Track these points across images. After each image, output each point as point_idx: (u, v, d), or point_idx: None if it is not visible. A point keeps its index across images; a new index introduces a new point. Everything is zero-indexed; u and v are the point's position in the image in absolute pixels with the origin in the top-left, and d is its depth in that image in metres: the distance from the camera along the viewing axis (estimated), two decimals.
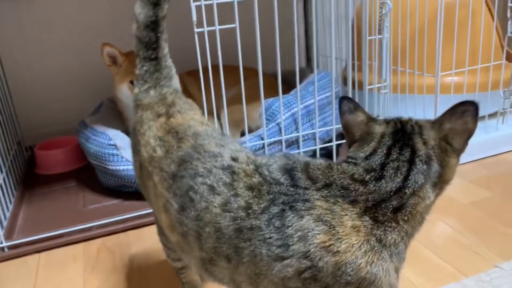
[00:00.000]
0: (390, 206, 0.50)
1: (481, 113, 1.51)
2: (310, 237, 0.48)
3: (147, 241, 1.10)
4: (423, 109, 1.36)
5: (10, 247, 1.09)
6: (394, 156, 0.52)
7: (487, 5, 1.47)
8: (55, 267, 1.03)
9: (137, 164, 0.70)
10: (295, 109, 1.28)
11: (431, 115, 1.35)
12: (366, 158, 0.53)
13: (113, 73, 1.48)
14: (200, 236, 0.54)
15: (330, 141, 1.34)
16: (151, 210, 1.18)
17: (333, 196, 0.50)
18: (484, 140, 1.39)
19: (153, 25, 0.72)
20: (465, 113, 0.52)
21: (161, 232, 0.76)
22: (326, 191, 0.51)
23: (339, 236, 0.48)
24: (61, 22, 1.69)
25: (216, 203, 0.53)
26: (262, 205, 0.51)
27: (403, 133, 0.54)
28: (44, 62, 1.71)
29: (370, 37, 1.27)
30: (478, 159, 1.37)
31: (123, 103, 1.48)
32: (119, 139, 1.28)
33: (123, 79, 1.45)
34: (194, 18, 1.06)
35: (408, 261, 0.54)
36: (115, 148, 1.26)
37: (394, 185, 0.50)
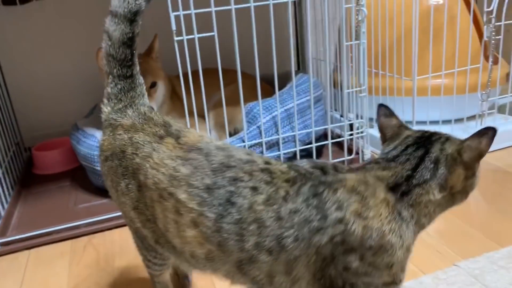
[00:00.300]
0: (400, 190, 0.59)
1: (460, 115, 1.57)
2: (345, 206, 0.57)
3: (131, 240, 1.17)
4: (402, 111, 1.41)
5: (2, 244, 1.16)
6: (408, 152, 0.61)
7: (468, 9, 1.50)
8: (43, 263, 1.10)
9: (132, 187, 0.67)
10: (276, 112, 1.33)
11: (410, 117, 1.40)
12: (388, 152, 0.63)
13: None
14: (242, 237, 0.58)
15: (311, 143, 1.39)
16: None
17: (363, 173, 0.60)
18: None
19: (130, 42, 0.72)
20: (484, 135, 0.58)
21: (145, 247, 0.76)
22: (355, 172, 0.61)
23: (370, 205, 0.57)
24: (59, 26, 1.76)
25: (259, 201, 0.58)
26: (300, 190, 0.58)
27: (427, 139, 0.63)
28: (43, 67, 1.79)
29: (347, 43, 1.31)
30: None
31: None
32: None
33: None
34: (174, 27, 1.12)
35: None
36: None
37: (404, 173, 0.60)
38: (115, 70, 0.72)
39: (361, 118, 1.41)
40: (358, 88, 1.37)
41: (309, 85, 1.47)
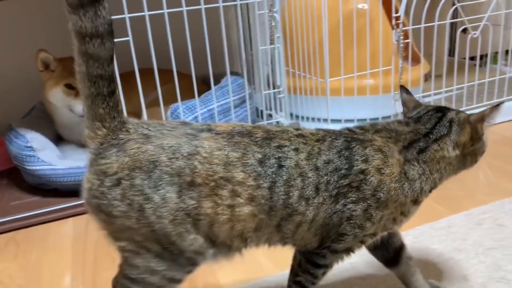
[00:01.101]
0: (418, 147, 0.71)
1: (374, 115, 1.65)
2: (370, 160, 0.69)
3: (52, 236, 1.24)
4: (319, 109, 1.49)
5: None
6: (429, 114, 0.75)
7: (388, 14, 1.59)
8: None
9: (171, 194, 0.64)
10: (198, 113, 1.41)
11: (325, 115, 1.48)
12: (411, 116, 0.76)
13: (44, 79, 1.60)
14: (288, 194, 0.67)
15: None
16: (61, 206, 1.33)
17: (386, 137, 0.72)
18: None
19: (112, 57, 0.67)
20: (491, 107, 0.73)
21: (169, 266, 0.69)
22: (379, 134, 0.73)
23: (388, 164, 0.69)
24: None
25: (302, 158, 0.68)
26: (333, 144, 0.70)
27: (444, 108, 0.77)
28: None
29: (262, 47, 1.38)
30: None
31: (54, 106, 1.61)
32: (36, 141, 1.41)
33: (58, 83, 1.57)
34: None
35: None
36: (32, 150, 1.39)
37: (424, 129, 0.73)
38: (105, 89, 0.66)
39: (280, 117, 1.49)
40: (277, 90, 1.44)
41: (236, 86, 1.55)
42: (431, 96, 1.73)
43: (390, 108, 1.56)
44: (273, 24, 1.36)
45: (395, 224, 0.73)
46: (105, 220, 0.65)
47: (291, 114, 1.74)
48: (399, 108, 1.53)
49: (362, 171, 0.68)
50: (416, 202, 0.73)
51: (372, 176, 0.68)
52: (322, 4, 1.42)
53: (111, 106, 0.67)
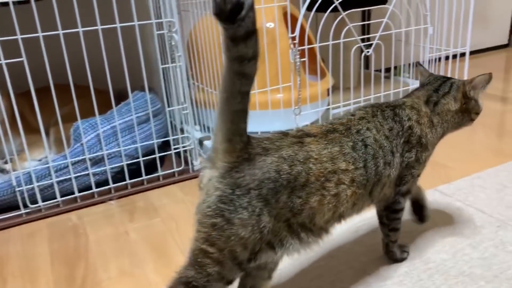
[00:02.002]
0: (433, 100, 0.95)
1: (275, 128, 1.71)
2: (411, 117, 0.90)
3: None
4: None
5: None
6: (437, 78, 1.00)
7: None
8: None
9: (283, 197, 0.70)
10: (101, 130, 1.43)
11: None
12: (424, 82, 1.01)
13: None
14: (377, 164, 0.82)
15: (144, 155, 1.50)
16: None
17: (411, 96, 0.96)
18: None
19: None
20: (475, 79, 0.97)
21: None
22: (406, 97, 0.96)
23: (420, 115, 0.92)
24: None
25: (375, 132, 0.84)
26: (384, 114, 0.88)
27: (446, 76, 1.02)
28: None
29: (163, 66, 1.42)
30: None
31: None
32: None
33: None
34: None
35: None
36: None
37: (433, 88, 0.97)
38: (247, 105, 0.70)
39: (188, 132, 1.53)
40: (180, 106, 1.48)
41: (143, 102, 1.58)
42: (340, 108, 1.83)
43: (292, 122, 1.64)
44: (173, 43, 1.40)
45: (426, 164, 0.95)
46: (219, 226, 0.67)
47: (208, 127, 1.80)
48: (300, 122, 1.63)
49: (410, 127, 0.89)
50: (435, 145, 0.96)
51: (416, 128, 0.89)
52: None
53: (246, 121, 0.70)
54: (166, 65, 1.43)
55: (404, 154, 0.88)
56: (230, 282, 0.73)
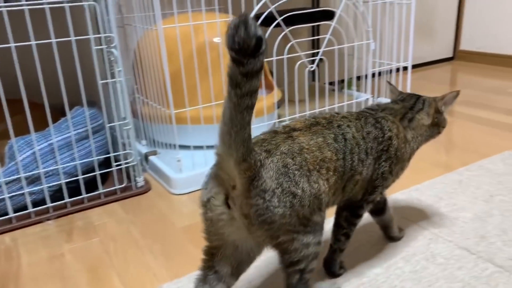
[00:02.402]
0: (408, 117, 1.02)
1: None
2: (392, 129, 0.96)
3: None
4: (169, 136, 1.52)
5: None
6: (410, 96, 1.08)
7: None
8: None
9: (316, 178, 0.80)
10: (37, 147, 1.38)
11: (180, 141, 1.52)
12: (397, 99, 1.08)
13: None
14: (352, 159, 0.87)
15: (86, 173, 1.45)
16: None
17: (389, 113, 1.01)
18: None
19: None
20: (446, 96, 1.07)
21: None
22: (384, 112, 1.02)
23: (399, 131, 0.98)
24: None
25: (354, 131, 0.89)
26: (367, 121, 0.94)
27: (417, 94, 1.10)
28: None
29: (102, 81, 1.39)
30: None
31: None
32: None
33: None
34: None
35: None
36: None
37: (409, 105, 1.05)
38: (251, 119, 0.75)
39: (130, 148, 1.50)
40: (121, 122, 1.45)
41: (84, 118, 1.54)
42: (287, 121, 1.85)
43: None
44: (112, 59, 1.37)
45: (397, 178, 1.01)
46: (267, 229, 0.76)
47: (155, 141, 1.77)
48: None
49: (390, 138, 0.95)
50: (409, 159, 1.02)
51: (394, 140, 0.95)
52: (161, 45, 1.46)
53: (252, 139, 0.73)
54: (106, 81, 1.40)
55: (381, 162, 0.94)
56: (320, 242, 0.84)
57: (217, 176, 0.76)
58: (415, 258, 1.09)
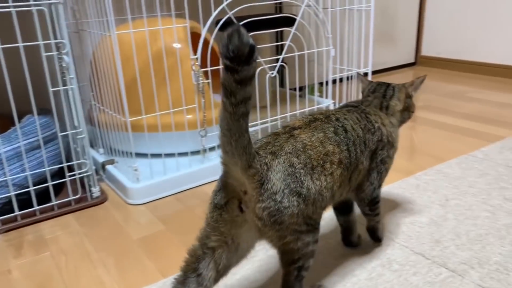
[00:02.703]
0: (384, 105, 1.08)
1: (183, 150, 1.68)
2: (377, 121, 1.01)
3: None
4: (125, 144, 1.48)
5: None
6: (380, 85, 1.12)
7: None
8: None
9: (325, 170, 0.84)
10: None
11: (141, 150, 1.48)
12: (369, 90, 1.12)
13: None
14: (356, 150, 0.91)
15: (45, 181, 1.40)
16: None
17: (367, 106, 1.07)
18: (186, 174, 1.55)
19: None
20: (414, 81, 1.13)
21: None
22: (364, 104, 1.07)
23: (382, 119, 1.04)
24: None
25: (352, 123, 0.94)
26: (359, 114, 0.99)
27: (386, 82, 1.14)
28: None
29: (53, 89, 1.34)
30: (180, 191, 1.54)
31: None
32: None
33: None
34: None
35: None
36: None
37: (380, 94, 1.10)
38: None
39: (84, 158, 1.45)
40: (75, 131, 1.40)
41: (35, 127, 1.48)
42: (258, 126, 1.83)
43: (197, 143, 1.61)
44: (63, 65, 1.32)
45: (393, 160, 1.07)
46: (278, 229, 0.78)
47: (112, 150, 1.72)
48: (206, 144, 1.60)
49: (379, 128, 1.00)
50: (398, 142, 1.08)
51: (383, 129, 1.01)
52: (115, 51, 1.42)
53: (252, 145, 0.76)
54: (57, 88, 1.35)
55: (378, 151, 1.00)
56: (317, 240, 0.87)
57: (227, 184, 0.79)
58: (371, 264, 1.08)
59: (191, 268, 0.82)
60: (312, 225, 0.83)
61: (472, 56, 3.11)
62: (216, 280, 0.85)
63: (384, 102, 1.08)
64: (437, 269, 1.05)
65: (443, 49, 3.28)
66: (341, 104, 1.09)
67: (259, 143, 0.82)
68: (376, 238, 1.16)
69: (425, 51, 3.42)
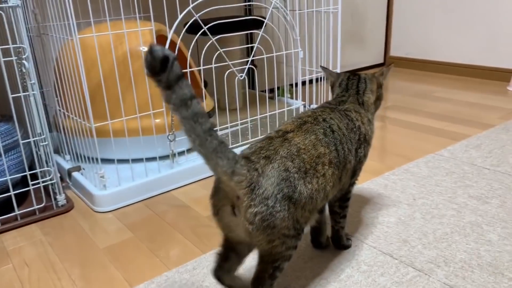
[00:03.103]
0: (360, 100, 1.08)
1: (150, 155, 1.65)
2: (358, 118, 1.03)
3: None
4: (91, 150, 1.44)
5: None
6: (350, 79, 1.12)
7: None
8: None
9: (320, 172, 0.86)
10: None
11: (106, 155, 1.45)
12: (340, 86, 1.12)
13: None
14: (343, 148, 0.93)
15: (7, 190, 1.35)
16: None
17: (345, 102, 1.08)
18: (155, 180, 1.53)
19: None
20: (383, 70, 1.14)
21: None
22: (342, 105, 1.07)
23: (362, 116, 1.05)
24: None
25: (338, 122, 0.96)
26: (340, 113, 1.01)
27: (356, 74, 1.14)
28: None
29: (14, 95, 1.30)
30: (151, 197, 1.51)
31: None
32: None
33: None
34: None
35: None
36: None
37: (354, 90, 1.10)
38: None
39: (48, 165, 1.41)
40: (38, 138, 1.36)
41: (2, 131, 1.42)
42: (228, 129, 1.82)
43: (166, 148, 1.59)
44: (23, 71, 1.28)
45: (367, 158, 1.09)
46: (269, 233, 0.79)
47: (79, 156, 1.68)
48: (175, 148, 1.58)
49: (359, 126, 1.02)
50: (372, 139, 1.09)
51: (362, 128, 1.03)
52: (78, 55, 1.39)
53: (230, 149, 0.76)
54: (18, 94, 1.31)
55: (358, 150, 1.01)
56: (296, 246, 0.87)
57: (219, 188, 0.81)
58: (340, 266, 1.09)
59: (228, 247, 0.90)
60: (298, 229, 0.84)
61: (440, 57, 3.18)
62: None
63: (359, 98, 1.09)
64: (404, 269, 1.06)
65: (410, 49, 3.34)
66: (319, 105, 1.08)
67: (254, 148, 0.84)
68: (341, 246, 1.15)
69: (394, 52, 3.47)
